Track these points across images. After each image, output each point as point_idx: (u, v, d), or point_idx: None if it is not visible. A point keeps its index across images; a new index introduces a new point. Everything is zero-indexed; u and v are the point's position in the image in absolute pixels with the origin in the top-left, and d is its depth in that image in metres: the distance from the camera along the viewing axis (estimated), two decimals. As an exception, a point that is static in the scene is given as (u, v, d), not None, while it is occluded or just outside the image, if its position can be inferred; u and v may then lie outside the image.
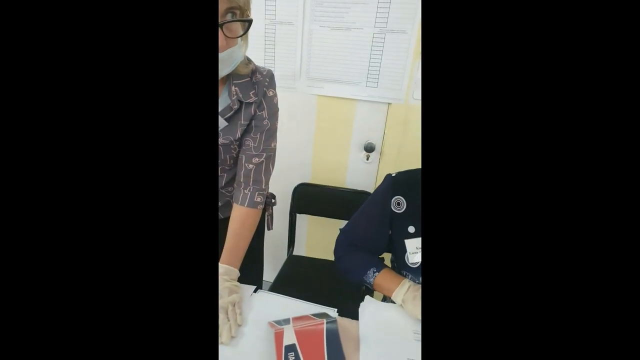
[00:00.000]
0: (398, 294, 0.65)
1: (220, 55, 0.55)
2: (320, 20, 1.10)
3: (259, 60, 0.72)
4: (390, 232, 0.72)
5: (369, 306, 0.66)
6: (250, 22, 0.56)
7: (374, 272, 0.70)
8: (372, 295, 0.70)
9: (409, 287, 0.65)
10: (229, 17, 0.54)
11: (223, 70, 0.59)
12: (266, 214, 0.84)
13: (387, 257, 0.83)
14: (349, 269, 0.75)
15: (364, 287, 1.04)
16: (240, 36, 0.57)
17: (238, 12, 0.54)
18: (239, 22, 0.55)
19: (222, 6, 0.52)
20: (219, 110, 0.67)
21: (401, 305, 0.64)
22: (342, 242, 0.78)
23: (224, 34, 0.54)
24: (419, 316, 0.61)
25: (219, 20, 0.52)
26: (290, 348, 0.56)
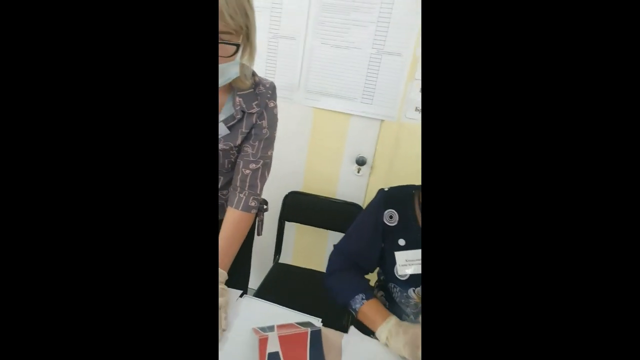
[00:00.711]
0: (383, 330, 0.63)
1: None
2: (321, 37, 1.14)
3: (260, 70, 0.75)
4: (382, 244, 0.72)
5: (352, 339, 0.63)
6: (238, 46, 0.59)
7: (362, 299, 0.68)
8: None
9: (394, 323, 0.63)
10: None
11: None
12: (257, 219, 0.85)
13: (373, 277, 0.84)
14: (337, 289, 0.74)
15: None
16: (230, 56, 0.59)
17: (232, 35, 0.57)
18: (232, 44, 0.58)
19: None
20: (223, 118, 0.69)
21: (385, 343, 0.62)
22: (336, 258, 0.77)
23: None
24: (403, 353, 0.59)
25: None
26: (274, 355, 0.56)
